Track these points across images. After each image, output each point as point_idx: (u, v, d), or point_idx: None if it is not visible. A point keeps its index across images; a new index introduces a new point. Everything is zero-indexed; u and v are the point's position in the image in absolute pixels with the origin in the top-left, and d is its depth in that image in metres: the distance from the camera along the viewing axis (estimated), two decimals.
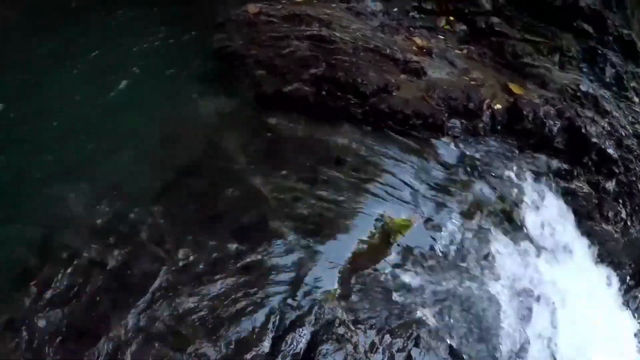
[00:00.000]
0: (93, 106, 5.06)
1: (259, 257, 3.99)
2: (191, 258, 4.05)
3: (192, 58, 5.29)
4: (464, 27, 5.84)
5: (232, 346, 3.70)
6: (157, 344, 3.75)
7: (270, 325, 3.78)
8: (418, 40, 5.37)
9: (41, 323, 3.93)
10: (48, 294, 4.05)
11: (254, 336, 3.74)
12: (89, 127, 4.85)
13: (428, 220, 4.28)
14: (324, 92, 4.56)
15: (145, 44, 5.56)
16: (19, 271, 4.09)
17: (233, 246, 4.04)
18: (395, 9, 5.68)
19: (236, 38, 5.08)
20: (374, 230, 4.10)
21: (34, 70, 5.50)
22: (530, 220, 4.77)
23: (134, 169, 4.58)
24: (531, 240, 4.72)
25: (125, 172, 4.58)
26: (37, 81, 5.37)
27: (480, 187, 4.64)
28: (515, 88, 5.29)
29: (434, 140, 4.64)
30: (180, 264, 4.03)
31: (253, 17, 5.21)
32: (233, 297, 3.90)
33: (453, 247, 4.27)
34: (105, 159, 4.63)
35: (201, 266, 4.02)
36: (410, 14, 5.74)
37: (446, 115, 4.71)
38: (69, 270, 4.17)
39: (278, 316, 3.81)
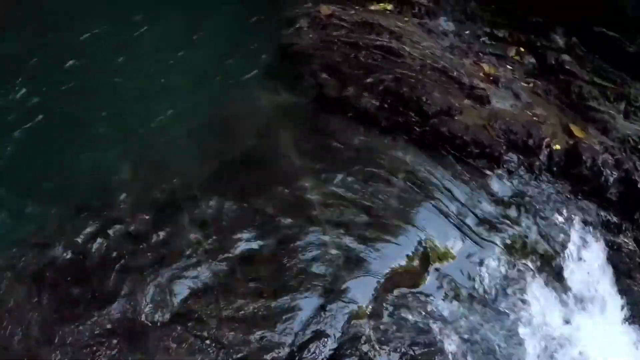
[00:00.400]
0: (152, 85, 5.19)
1: (295, 258, 3.97)
2: (226, 246, 4.08)
3: (258, 49, 5.32)
4: (533, 60, 5.70)
5: (252, 344, 3.70)
6: (179, 327, 3.78)
7: (295, 330, 3.75)
8: (486, 67, 5.27)
9: (68, 285, 4.07)
10: (82, 256, 4.16)
11: (277, 338, 3.72)
12: (147, 104, 4.98)
13: (470, 252, 4.20)
14: (385, 105, 4.52)
15: (214, 30, 5.62)
16: (62, 232, 4.21)
17: (271, 243, 4.04)
18: (467, 32, 5.60)
19: (305, 37, 5.08)
20: (414, 253, 4.03)
21: (105, 44, 5.66)
22: (570, 268, 4.64)
23: (185, 149, 4.64)
24: (566, 289, 4.60)
25: (176, 151, 4.65)
26: (106, 55, 5.53)
27: (527, 227, 4.53)
28: (576, 130, 5.15)
29: (488, 172, 4.54)
30: (215, 251, 4.06)
31: (325, 18, 5.20)
32: (262, 294, 3.90)
33: (490, 284, 4.17)
34: (159, 136, 4.73)
35: (235, 257, 4.03)
36: (481, 39, 5.64)
37: (504, 148, 4.60)
38: (106, 237, 4.27)
39: (304, 322, 3.78)
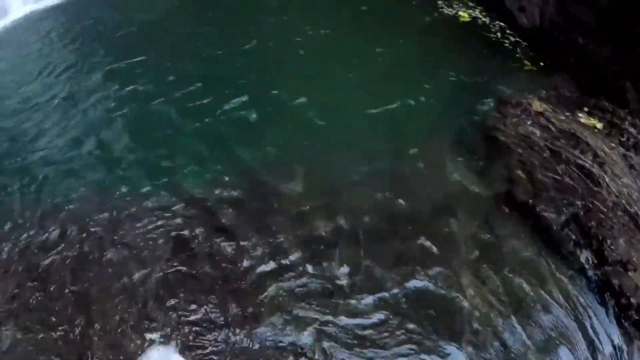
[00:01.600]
0: (342, 115, 5.48)
1: (430, 342, 3.93)
2: (369, 299, 4.15)
3: (458, 118, 5.34)
4: None
5: None
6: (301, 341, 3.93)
7: None
8: None
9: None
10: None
11: None
12: (331, 129, 5.27)
13: None
14: (568, 231, 4.37)
15: (421, 84, 5.71)
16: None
17: (408, 315, 4.05)
18: None
19: (510, 125, 4.99)
20: None
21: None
22: None
23: (358, 185, 4.80)
24: None
25: (349, 183, 4.82)
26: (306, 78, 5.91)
27: None
28: None
29: (637, 342, 4.28)
30: (358, 301, 4.13)
31: (534, 114, 5.09)
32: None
33: None
34: (336, 164, 5.00)
35: (371, 299, 4.11)
36: None
37: None
38: (254, 225, 4.61)
39: None
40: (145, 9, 7.24)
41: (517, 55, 6.04)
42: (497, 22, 6.57)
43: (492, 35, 6.40)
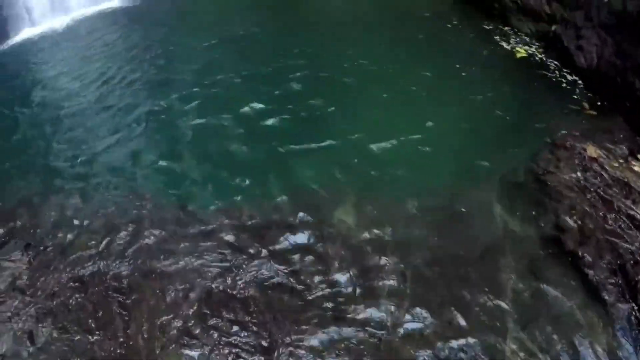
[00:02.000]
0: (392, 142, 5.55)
1: None
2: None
3: (512, 160, 5.26)
4: None
5: None
6: None
7: None
8: None
9: None
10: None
11: None
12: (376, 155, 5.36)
13: None
14: (614, 281, 4.24)
15: (471, 120, 5.71)
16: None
17: (445, 352, 3.99)
18: None
19: (562, 170, 4.88)
20: None
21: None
22: None
23: (407, 223, 4.79)
24: None
25: (399, 217, 4.83)
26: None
27: None
28: None
29: None
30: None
31: (588, 159, 4.96)
32: None
33: None
34: (386, 196, 5.01)
35: (413, 339, 4.07)
36: None
37: None
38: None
39: None
40: (213, 18, 7.34)
41: (574, 97, 5.92)
42: (554, 59, 6.49)
43: (549, 73, 6.30)
